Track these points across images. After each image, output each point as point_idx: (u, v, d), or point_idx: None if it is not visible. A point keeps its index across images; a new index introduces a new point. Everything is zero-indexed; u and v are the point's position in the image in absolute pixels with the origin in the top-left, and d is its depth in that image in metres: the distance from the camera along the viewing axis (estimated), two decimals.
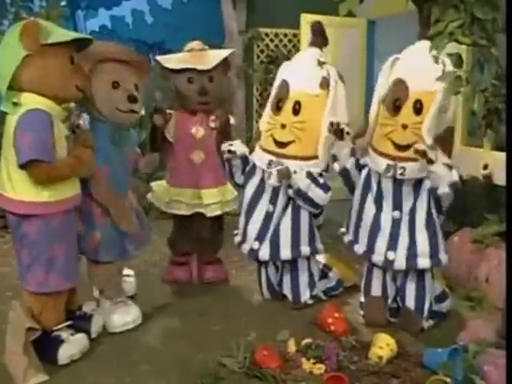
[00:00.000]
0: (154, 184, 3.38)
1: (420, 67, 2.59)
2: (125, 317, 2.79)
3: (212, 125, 3.19)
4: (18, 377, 2.28)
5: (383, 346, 2.45)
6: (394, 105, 2.61)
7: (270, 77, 5.88)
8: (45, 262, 2.36)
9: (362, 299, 2.95)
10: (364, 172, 2.84)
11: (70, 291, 2.59)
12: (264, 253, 2.92)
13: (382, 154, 2.67)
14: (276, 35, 5.91)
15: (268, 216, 2.95)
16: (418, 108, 2.54)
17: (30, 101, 2.26)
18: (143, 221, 2.94)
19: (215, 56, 3.16)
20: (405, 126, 2.57)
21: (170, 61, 3.12)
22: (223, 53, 3.24)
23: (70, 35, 2.38)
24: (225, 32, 5.49)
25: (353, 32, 5.88)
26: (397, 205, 2.69)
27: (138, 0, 5.96)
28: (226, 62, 3.22)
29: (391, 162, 2.62)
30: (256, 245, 2.94)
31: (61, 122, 2.38)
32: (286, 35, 5.92)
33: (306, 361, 2.43)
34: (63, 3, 4.80)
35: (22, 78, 2.25)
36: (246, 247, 3.00)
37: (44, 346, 2.39)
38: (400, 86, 2.61)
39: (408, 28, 5.66)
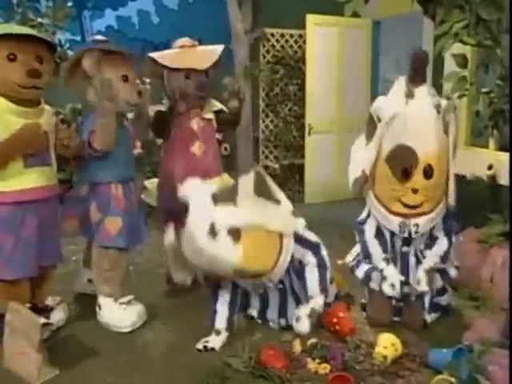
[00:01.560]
0: (147, 182, 3.44)
1: (426, 130, 2.53)
2: (132, 317, 2.82)
3: (207, 116, 3.25)
4: (30, 375, 2.30)
5: (388, 345, 2.46)
6: (404, 172, 2.59)
7: (276, 77, 5.92)
8: None
9: (364, 300, 2.97)
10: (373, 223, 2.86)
11: (35, 285, 2.66)
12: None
13: (392, 213, 2.68)
14: (282, 36, 5.92)
15: None
16: (429, 172, 2.56)
17: None
18: (142, 218, 3.05)
19: (210, 54, 3.19)
20: (415, 191, 2.59)
21: (165, 58, 3.11)
22: (216, 50, 3.24)
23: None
24: (231, 32, 5.49)
25: (358, 32, 5.90)
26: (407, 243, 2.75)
27: (144, 0, 5.97)
28: (216, 60, 3.24)
29: (404, 220, 2.64)
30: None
31: (16, 117, 2.44)
32: (291, 36, 5.93)
33: (311, 361, 2.45)
34: (69, 4, 4.81)
35: None
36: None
37: None
38: (408, 153, 2.56)
39: (412, 28, 5.69)
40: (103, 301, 2.88)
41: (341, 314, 2.75)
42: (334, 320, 2.73)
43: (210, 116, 3.28)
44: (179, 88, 3.14)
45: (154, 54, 3.10)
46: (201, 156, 3.21)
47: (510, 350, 1.07)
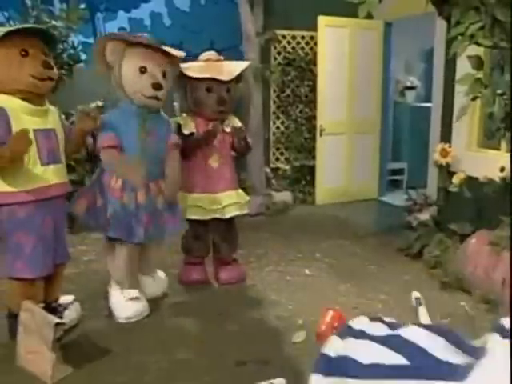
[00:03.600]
0: None
1: None
2: (129, 311, 2.90)
3: (227, 129, 3.29)
4: (44, 374, 2.32)
5: None
6: None
7: (287, 79, 5.92)
8: (12, 249, 2.52)
9: None
10: None
11: (48, 284, 2.70)
12: None
13: None
14: (293, 37, 5.92)
15: None
16: None
17: None
18: (175, 208, 3.06)
19: (233, 68, 3.23)
20: None
21: (190, 69, 3.15)
22: (241, 65, 3.31)
23: (7, 30, 2.43)
24: (242, 34, 5.50)
25: (369, 34, 5.89)
26: None
27: (157, 2, 6.00)
28: (239, 75, 3.31)
29: None
30: None
31: (28, 115, 2.48)
32: (303, 37, 5.93)
33: None
34: (83, 6, 4.85)
35: None
36: None
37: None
38: None
39: (423, 30, 5.67)
40: (113, 286, 2.99)
41: (335, 324, 2.65)
42: (334, 331, 2.63)
43: (229, 130, 3.30)
44: (200, 100, 3.18)
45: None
46: (217, 168, 3.26)
47: (510, 350, 1.07)
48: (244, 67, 3.29)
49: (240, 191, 3.43)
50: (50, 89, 2.61)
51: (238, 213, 3.33)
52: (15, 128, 2.40)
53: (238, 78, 3.33)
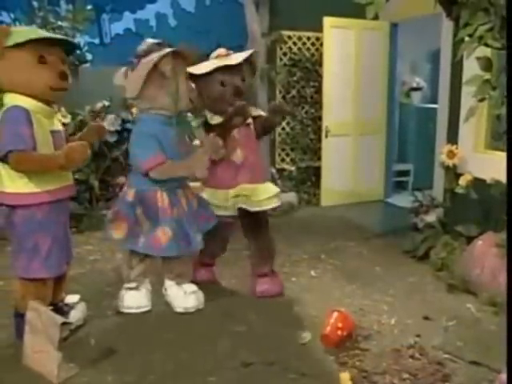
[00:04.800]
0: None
1: None
2: (128, 301, 3.01)
3: (248, 121, 3.17)
4: (50, 373, 2.33)
5: None
6: None
7: (293, 79, 5.92)
8: (29, 250, 2.53)
9: None
10: None
11: (56, 284, 2.71)
12: None
13: None
14: (299, 38, 5.91)
15: None
16: None
17: (11, 100, 2.45)
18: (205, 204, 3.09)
19: (241, 54, 3.14)
20: None
21: (199, 68, 3.09)
22: (248, 52, 3.21)
23: (27, 37, 2.42)
24: (248, 35, 5.50)
25: (375, 34, 5.88)
26: None
27: (162, 3, 6.00)
28: (253, 64, 3.22)
29: None
30: None
31: (45, 117, 2.50)
32: (308, 38, 5.92)
33: None
34: (89, 7, 4.87)
35: (0, 79, 2.47)
36: None
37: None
38: None
39: (429, 31, 5.66)
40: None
41: (340, 325, 2.65)
42: (339, 332, 2.63)
43: (250, 121, 3.19)
44: (215, 96, 3.07)
45: (189, 68, 3.05)
46: (242, 163, 3.14)
47: (508, 350, 1.06)
48: (252, 52, 3.18)
49: (269, 184, 3.28)
50: (62, 97, 2.61)
51: (265, 207, 3.13)
52: (36, 129, 2.42)
53: (253, 68, 3.25)
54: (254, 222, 3.23)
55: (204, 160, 2.80)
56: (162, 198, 2.84)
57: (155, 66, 2.72)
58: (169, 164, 2.79)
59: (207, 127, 3.11)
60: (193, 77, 3.03)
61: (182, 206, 2.91)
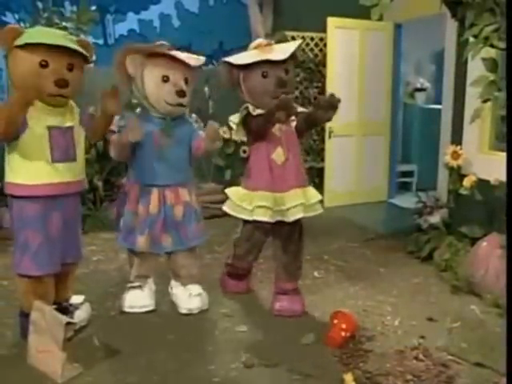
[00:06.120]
0: (228, 191, 3.04)
1: None
2: (128, 301, 3.03)
3: (291, 118, 2.95)
4: (55, 373, 2.34)
5: None
6: None
7: (297, 80, 5.91)
8: (20, 246, 2.56)
9: None
10: None
11: (59, 283, 2.71)
12: None
13: None
14: (302, 38, 5.90)
15: None
16: None
17: None
18: (198, 216, 3.04)
19: (286, 47, 2.93)
20: None
21: (240, 58, 2.88)
22: (294, 43, 3.03)
23: (35, 40, 2.41)
24: (251, 35, 5.50)
25: (379, 35, 5.88)
26: None
27: (166, 4, 6.01)
28: (294, 55, 2.98)
29: None
30: None
31: (43, 113, 2.50)
32: (312, 39, 5.92)
33: None
34: (93, 8, 4.88)
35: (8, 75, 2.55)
36: None
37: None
38: None
39: (433, 31, 5.65)
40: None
41: (343, 326, 2.65)
42: (342, 333, 2.63)
43: (293, 118, 2.96)
44: (256, 88, 2.86)
45: (229, 58, 2.88)
46: (282, 164, 2.89)
47: (508, 350, 1.06)
48: (298, 44, 3.00)
49: (310, 189, 3.00)
50: (62, 102, 2.58)
51: (301, 214, 2.88)
52: (29, 117, 2.45)
53: (296, 60, 3.09)
54: (289, 230, 2.98)
55: (137, 125, 2.74)
56: (136, 192, 2.92)
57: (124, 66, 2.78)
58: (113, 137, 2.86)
59: (248, 121, 2.89)
60: (232, 67, 2.87)
61: (149, 206, 2.88)
